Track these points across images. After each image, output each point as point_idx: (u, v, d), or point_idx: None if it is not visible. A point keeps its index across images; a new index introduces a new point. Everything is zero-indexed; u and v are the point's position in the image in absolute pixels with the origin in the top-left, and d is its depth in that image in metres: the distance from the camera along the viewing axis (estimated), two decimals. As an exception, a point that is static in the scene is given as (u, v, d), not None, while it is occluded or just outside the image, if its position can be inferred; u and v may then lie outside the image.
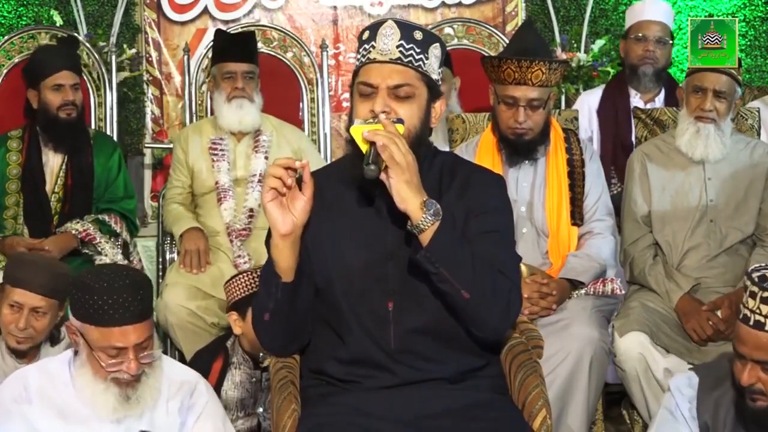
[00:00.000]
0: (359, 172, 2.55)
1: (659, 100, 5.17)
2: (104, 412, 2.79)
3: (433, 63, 2.68)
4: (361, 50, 2.69)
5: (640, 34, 5.16)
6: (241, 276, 3.72)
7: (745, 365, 2.72)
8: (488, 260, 2.60)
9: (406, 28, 2.65)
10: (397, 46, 2.63)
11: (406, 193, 2.52)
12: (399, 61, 2.63)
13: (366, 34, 2.68)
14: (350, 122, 2.68)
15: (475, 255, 2.58)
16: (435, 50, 2.68)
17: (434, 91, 2.69)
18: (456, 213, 2.65)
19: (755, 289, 2.70)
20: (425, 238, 2.53)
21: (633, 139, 5.03)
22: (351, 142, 2.60)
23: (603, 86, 5.38)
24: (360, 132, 2.56)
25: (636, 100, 5.17)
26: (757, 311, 2.69)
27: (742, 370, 2.73)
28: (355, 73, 2.70)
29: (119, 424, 2.83)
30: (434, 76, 2.69)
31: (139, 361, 2.76)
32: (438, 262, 2.53)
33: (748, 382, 2.71)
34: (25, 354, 3.54)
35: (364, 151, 2.55)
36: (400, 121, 2.60)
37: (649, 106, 5.08)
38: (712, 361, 3.20)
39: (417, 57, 2.64)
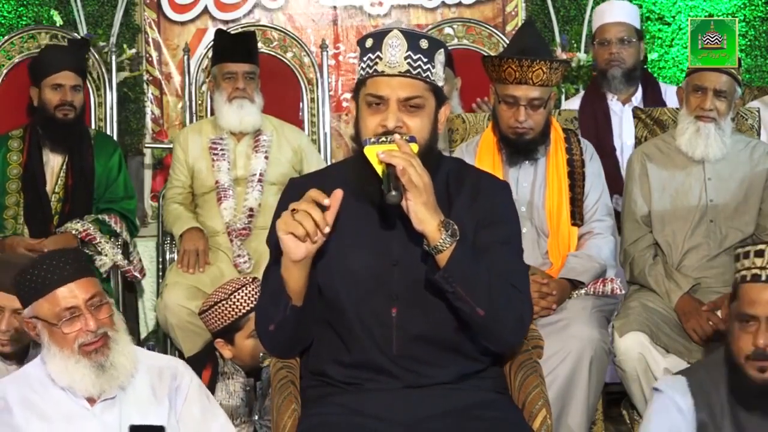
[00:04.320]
0: (373, 189, 2.58)
1: (636, 99, 5.18)
2: (85, 388, 2.81)
3: (438, 70, 2.67)
4: (365, 59, 2.66)
5: (604, 38, 5.19)
6: (216, 307, 3.66)
7: (758, 329, 2.72)
8: (502, 274, 2.62)
9: (412, 38, 2.63)
10: (405, 58, 2.61)
11: (424, 215, 2.53)
12: (408, 74, 2.61)
13: (369, 42, 2.65)
14: (357, 132, 2.67)
15: (489, 271, 2.59)
16: (439, 56, 2.67)
17: (440, 98, 2.69)
18: (466, 220, 2.65)
19: (762, 247, 2.76)
20: (442, 258, 2.54)
21: (615, 142, 5.06)
22: (364, 160, 2.59)
23: (582, 94, 5.39)
24: (374, 152, 2.55)
25: (614, 102, 5.18)
26: None
27: (755, 335, 2.72)
28: (360, 83, 2.67)
29: (104, 420, 2.83)
30: (440, 83, 2.69)
31: (96, 318, 2.80)
32: (455, 282, 2.54)
33: (765, 343, 2.71)
34: (13, 356, 3.52)
35: (379, 172, 2.55)
36: (412, 139, 2.59)
37: (627, 106, 5.09)
38: (696, 363, 3.21)
39: (425, 67, 2.63)
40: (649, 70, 5.83)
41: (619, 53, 5.14)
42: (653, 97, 5.16)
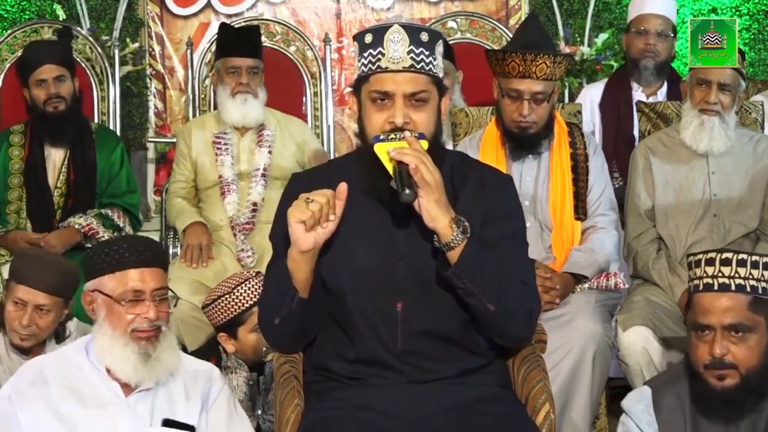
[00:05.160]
0: (382, 185, 2.58)
1: (661, 94, 5.16)
2: (125, 373, 2.80)
3: (439, 61, 2.67)
4: (366, 55, 2.64)
5: (642, 28, 5.14)
6: (219, 301, 3.67)
7: (713, 338, 2.73)
8: (510, 269, 2.62)
9: (413, 32, 2.62)
10: (408, 53, 2.61)
11: (436, 212, 2.53)
12: (412, 69, 2.61)
13: (369, 38, 2.64)
14: (361, 129, 2.67)
15: (498, 266, 2.59)
16: (439, 47, 2.67)
17: (442, 89, 2.70)
18: (472, 213, 2.65)
19: (712, 255, 2.77)
20: (454, 255, 2.55)
21: (635, 132, 5.03)
22: (371, 156, 2.59)
23: (605, 80, 5.37)
24: (385, 150, 2.55)
25: (638, 93, 5.16)
26: (720, 275, 2.74)
27: (711, 345, 2.74)
28: (362, 79, 2.66)
29: (137, 410, 2.84)
30: (441, 74, 2.69)
31: (158, 309, 2.80)
32: (467, 278, 2.55)
33: (721, 353, 2.71)
34: (30, 351, 3.54)
35: (389, 169, 2.55)
36: (422, 136, 2.59)
37: (651, 99, 5.06)
38: (661, 373, 3.22)
39: (427, 60, 2.63)
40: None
41: (655, 45, 5.11)
42: (678, 93, 5.15)
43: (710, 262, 2.77)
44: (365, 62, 2.65)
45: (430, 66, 2.63)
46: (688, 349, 2.85)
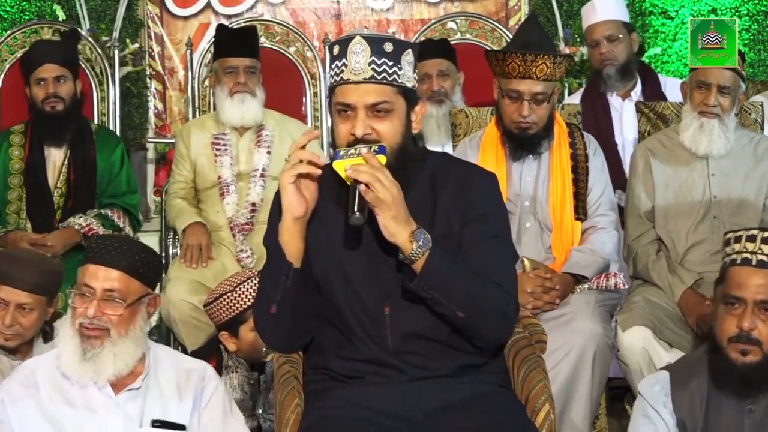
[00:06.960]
0: (344, 199, 2.59)
1: (636, 94, 5.18)
2: (67, 364, 2.84)
3: (407, 72, 2.67)
4: (333, 67, 2.67)
5: (592, 39, 5.19)
6: (221, 299, 3.68)
7: (743, 312, 2.77)
8: (485, 273, 2.63)
9: (375, 42, 2.63)
10: (369, 63, 2.61)
11: (394, 228, 2.55)
12: (373, 80, 2.62)
13: (336, 50, 2.66)
14: (333, 139, 2.68)
15: (468, 272, 2.60)
16: (407, 57, 2.67)
17: (412, 99, 2.69)
18: (452, 213, 2.67)
19: (754, 232, 2.83)
20: (417, 267, 2.56)
21: (617, 138, 5.06)
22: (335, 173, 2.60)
23: (580, 91, 5.39)
24: (343, 167, 2.56)
25: (614, 98, 5.18)
26: (759, 251, 2.80)
27: (740, 317, 2.77)
28: (330, 90, 2.69)
29: (126, 410, 2.85)
30: (410, 84, 2.68)
31: (101, 310, 2.81)
32: (431, 289, 2.57)
33: (749, 327, 2.75)
34: (17, 351, 3.51)
35: (349, 184, 2.56)
36: (381, 149, 2.59)
37: (627, 101, 5.09)
38: (680, 358, 3.24)
39: (390, 71, 2.63)
40: (652, 64, 5.83)
41: (609, 52, 5.13)
42: (653, 90, 5.16)
43: (751, 239, 2.82)
44: (332, 74, 2.68)
45: (394, 76, 2.63)
46: (713, 323, 2.89)
